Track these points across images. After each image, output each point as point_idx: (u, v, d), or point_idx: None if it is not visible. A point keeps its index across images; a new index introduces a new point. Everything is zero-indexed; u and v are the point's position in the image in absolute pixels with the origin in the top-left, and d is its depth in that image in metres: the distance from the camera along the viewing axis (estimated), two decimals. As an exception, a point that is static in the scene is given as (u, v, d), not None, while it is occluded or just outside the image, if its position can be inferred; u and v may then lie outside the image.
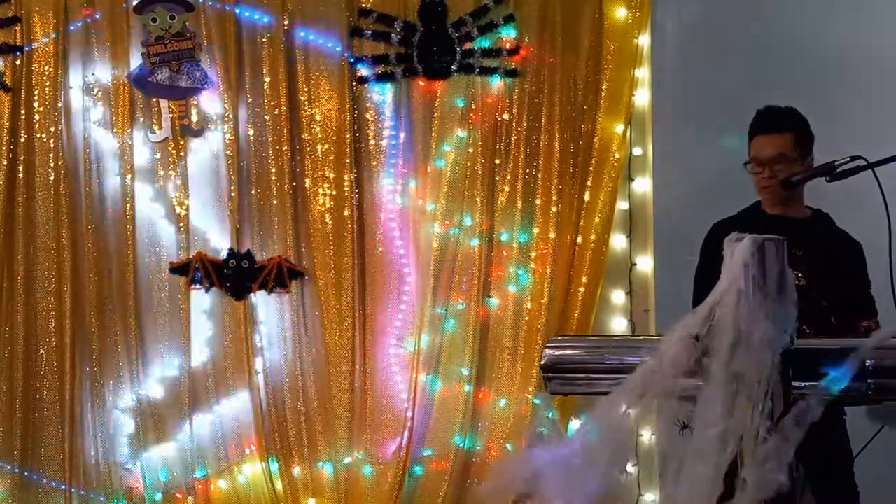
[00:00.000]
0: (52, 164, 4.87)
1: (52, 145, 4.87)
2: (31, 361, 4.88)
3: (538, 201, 4.82)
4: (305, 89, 4.91)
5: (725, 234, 1.54)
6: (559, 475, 1.53)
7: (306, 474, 4.87)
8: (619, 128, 4.80)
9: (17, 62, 4.88)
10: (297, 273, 4.87)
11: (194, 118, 4.92)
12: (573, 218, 4.79)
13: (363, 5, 4.89)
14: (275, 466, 4.84)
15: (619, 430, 1.51)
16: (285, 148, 4.87)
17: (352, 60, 4.89)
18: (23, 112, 4.87)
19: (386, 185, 4.93)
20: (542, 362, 1.70)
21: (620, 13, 4.82)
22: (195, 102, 4.92)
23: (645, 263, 4.85)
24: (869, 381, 1.47)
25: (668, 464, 1.50)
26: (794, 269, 1.52)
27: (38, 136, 4.89)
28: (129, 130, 4.89)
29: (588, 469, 1.52)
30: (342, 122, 4.88)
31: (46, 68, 4.88)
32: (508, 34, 4.86)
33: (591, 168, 4.80)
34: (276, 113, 4.88)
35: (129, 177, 4.88)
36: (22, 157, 4.88)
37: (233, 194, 4.88)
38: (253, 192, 4.91)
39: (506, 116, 4.85)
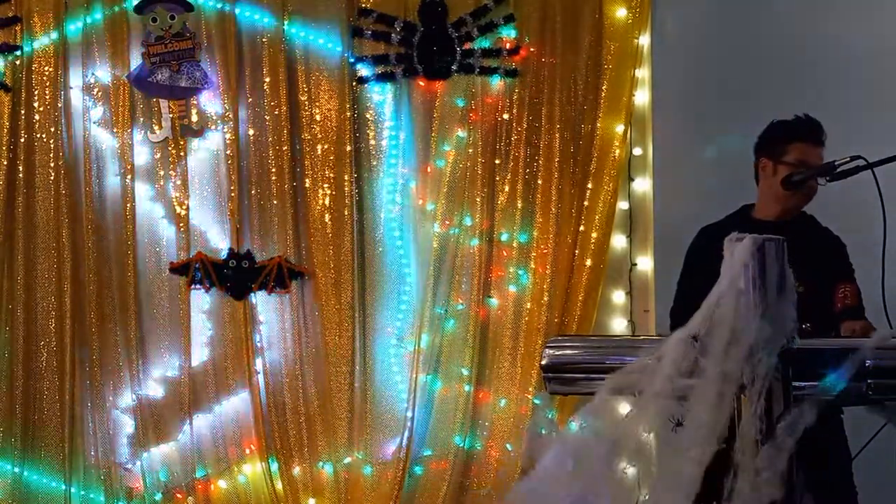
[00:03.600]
0: (52, 164, 4.87)
1: (52, 145, 4.87)
2: (31, 361, 4.87)
3: (538, 201, 4.82)
4: (305, 89, 4.91)
5: (715, 240, 1.54)
6: (553, 475, 1.53)
7: (306, 474, 4.87)
8: (619, 128, 4.80)
9: (17, 62, 4.88)
10: (297, 273, 4.87)
11: (194, 118, 4.92)
12: (573, 218, 4.79)
13: (363, 5, 4.89)
14: (275, 466, 4.85)
15: (619, 433, 1.51)
16: (285, 148, 4.87)
17: (352, 60, 4.89)
18: (23, 112, 4.87)
19: (386, 185, 4.93)
20: (542, 362, 1.70)
21: (620, 13, 4.82)
22: (195, 102, 4.92)
23: (645, 263, 4.85)
24: (868, 381, 1.47)
25: (661, 462, 1.50)
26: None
27: (38, 136, 4.88)
28: (129, 130, 4.88)
29: (581, 469, 1.52)
30: (342, 122, 4.88)
31: (46, 68, 4.88)
32: (508, 34, 4.86)
33: (591, 168, 4.79)
34: (276, 113, 4.88)
35: (129, 177, 4.88)
36: (22, 158, 4.88)
37: (233, 194, 4.88)
38: (253, 192, 4.91)
39: (506, 116, 4.85)
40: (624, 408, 1.48)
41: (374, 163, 4.93)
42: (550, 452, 1.58)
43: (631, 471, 1.56)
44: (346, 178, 4.88)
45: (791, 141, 3.52)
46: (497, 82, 4.86)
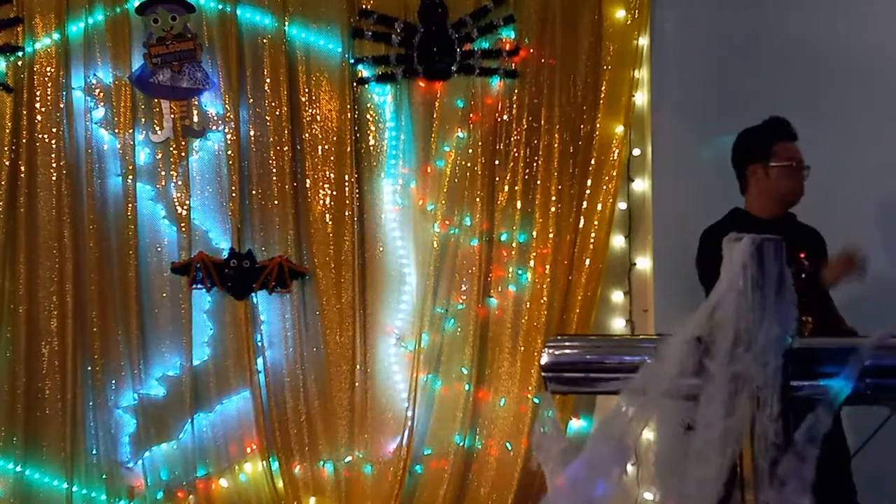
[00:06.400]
0: (53, 165, 4.89)
1: (53, 146, 4.88)
2: (33, 361, 4.88)
3: (538, 201, 4.84)
4: (306, 90, 4.93)
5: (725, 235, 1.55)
6: (567, 485, 1.54)
7: (307, 473, 4.88)
8: (619, 128, 4.81)
9: (20, 63, 4.89)
10: (297, 273, 4.89)
11: (195, 119, 4.93)
12: (572, 218, 4.81)
13: (364, 6, 4.91)
14: (276, 465, 4.86)
15: (622, 433, 1.52)
16: (286, 148, 4.89)
17: (352, 61, 4.91)
18: (25, 113, 4.88)
19: (386, 185, 4.94)
20: (542, 361, 1.71)
21: (620, 14, 4.83)
22: (196, 103, 4.93)
23: (644, 263, 4.86)
24: (868, 380, 1.48)
25: (671, 464, 1.51)
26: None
27: (40, 136, 4.89)
28: (130, 131, 4.90)
29: (594, 476, 1.53)
30: (343, 122, 4.90)
31: (48, 69, 4.89)
32: (508, 35, 4.88)
33: (590, 168, 4.81)
34: (276, 113, 4.89)
35: (130, 177, 4.89)
36: (24, 158, 4.89)
37: (234, 194, 4.89)
38: (254, 192, 4.93)
39: (505, 117, 4.86)
40: (627, 409, 1.49)
41: (375, 163, 4.95)
42: (569, 467, 1.58)
43: (631, 471, 1.56)
44: (346, 178, 4.89)
45: (774, 142, 3.69)
46: (497, 83, 4.87)
